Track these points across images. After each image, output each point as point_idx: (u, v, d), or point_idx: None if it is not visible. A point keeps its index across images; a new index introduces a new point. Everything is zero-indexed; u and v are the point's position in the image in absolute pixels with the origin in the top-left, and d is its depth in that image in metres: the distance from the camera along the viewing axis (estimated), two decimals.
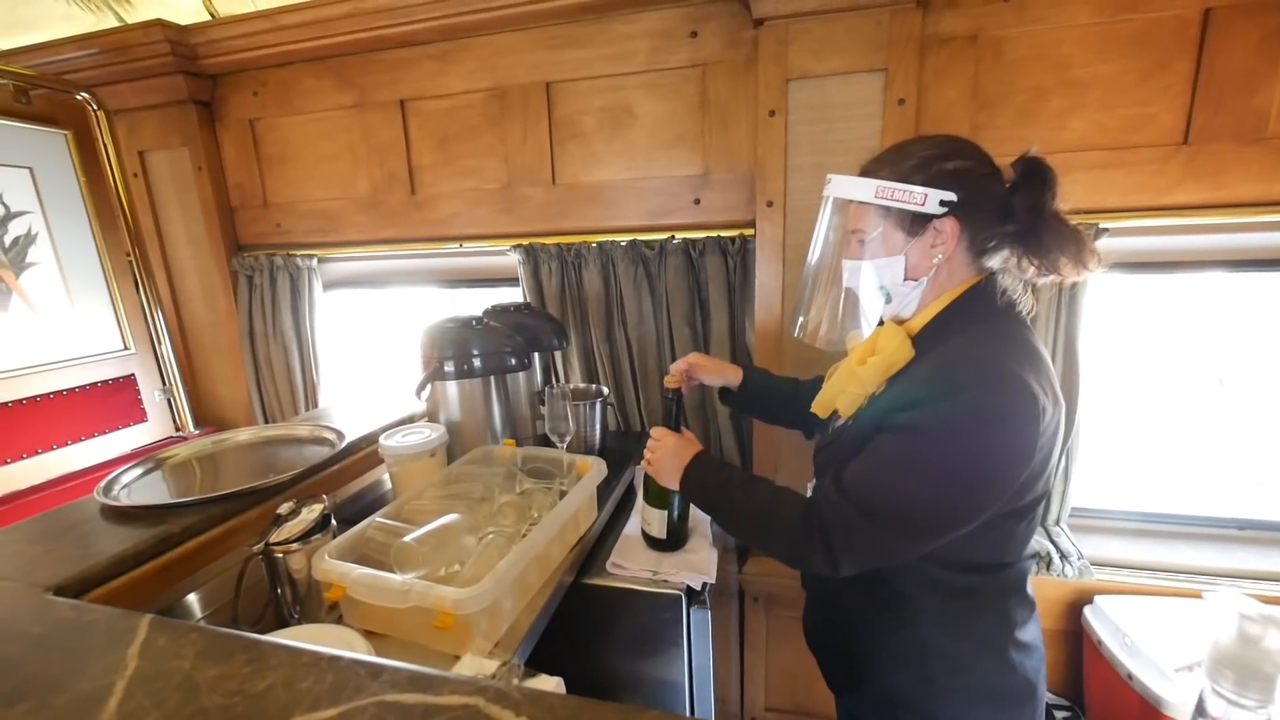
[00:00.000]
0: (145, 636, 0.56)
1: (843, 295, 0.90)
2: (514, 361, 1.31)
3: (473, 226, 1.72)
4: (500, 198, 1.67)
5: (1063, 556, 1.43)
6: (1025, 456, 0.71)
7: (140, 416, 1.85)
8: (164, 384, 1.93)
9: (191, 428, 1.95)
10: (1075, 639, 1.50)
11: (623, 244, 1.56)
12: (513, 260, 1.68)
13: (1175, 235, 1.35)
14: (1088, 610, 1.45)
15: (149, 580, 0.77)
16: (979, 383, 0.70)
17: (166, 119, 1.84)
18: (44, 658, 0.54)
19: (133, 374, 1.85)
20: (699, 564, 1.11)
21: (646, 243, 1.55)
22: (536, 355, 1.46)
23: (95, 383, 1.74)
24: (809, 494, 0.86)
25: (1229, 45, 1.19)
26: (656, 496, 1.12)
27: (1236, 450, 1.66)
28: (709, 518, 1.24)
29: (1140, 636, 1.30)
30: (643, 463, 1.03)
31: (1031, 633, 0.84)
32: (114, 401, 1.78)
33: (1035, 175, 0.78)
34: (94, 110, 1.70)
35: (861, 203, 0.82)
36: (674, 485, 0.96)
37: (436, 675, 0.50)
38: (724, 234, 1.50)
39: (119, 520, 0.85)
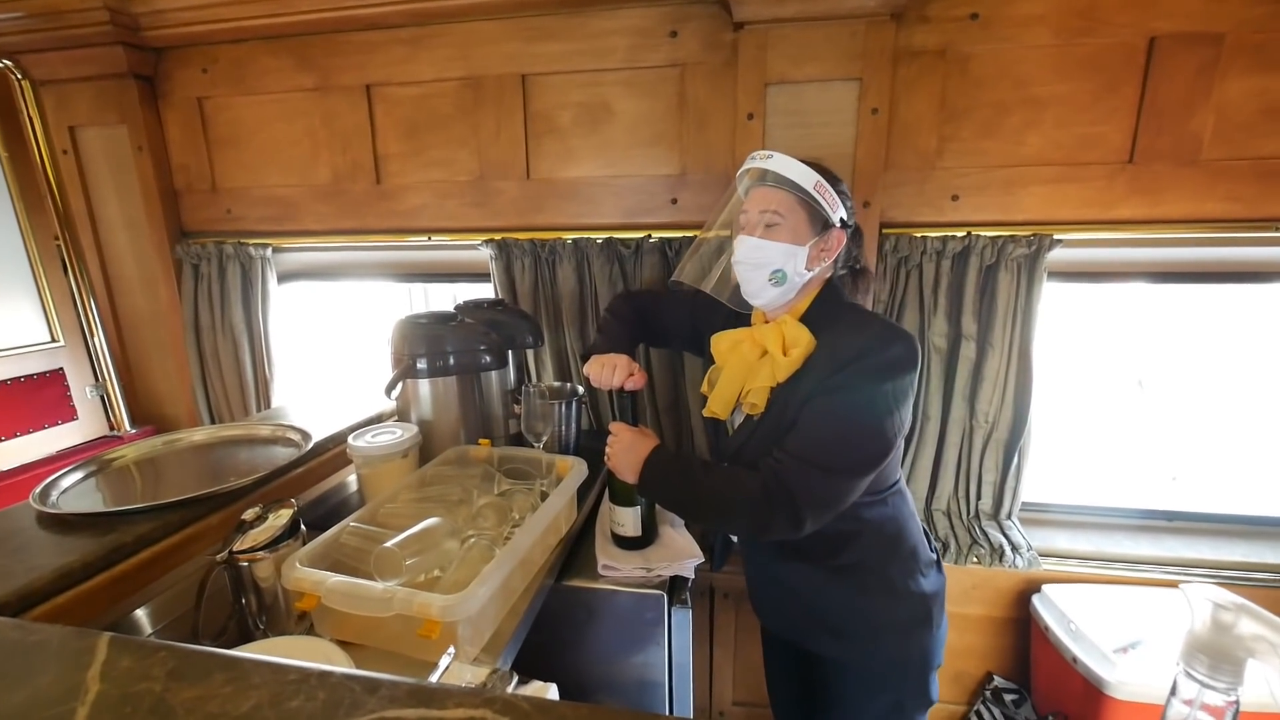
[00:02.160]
0: (106, 657, 0.51)
1: (730, 270, 0.98)
2: (489, 360, 1.28)
3: (442, 219, 1.66)
4: (471, 190, 1.62)
5: (1014, 548, 1.51)
6: (915, 387, 0.92)
7: (70, 414, 1.71)
8: (97, 379, 1.78)
9: (128, 426, 1.81)
10: (1024, 626, 1.59)
11: (598, 242, 1.54)
12: (482, 255, 1.64)
13: (1116, 248, 1.44)
14: (1035, 599, 1.54)
15: (99, 594, 0.71)
16: (883, 342, 0.87)
17: (102, 93, 1.70)
18: None
19: (61, 368, 1.70)
20: (683, 549, 1.11)
21: (623, 241, 1.54)
22: (510, 353, 1.43)
23: (18, 377, 1.59)
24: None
25: (1170, 72, 1.28)
26: (623, 495, 1.09)
27: (1155, 447, 1.80)
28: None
29: (1083, 622, 1.39)
30: (605, 459, 1.05)
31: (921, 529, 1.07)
32: (40, 398, 1.63)
33: (860, 234, 1.02)
34: (17, 79, 1.55)
35: (792, 187, 0.91)
36: (632, 479, 0.99)
37: (438, 688, 0.48)
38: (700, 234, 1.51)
39: (61, 529, 0.78)
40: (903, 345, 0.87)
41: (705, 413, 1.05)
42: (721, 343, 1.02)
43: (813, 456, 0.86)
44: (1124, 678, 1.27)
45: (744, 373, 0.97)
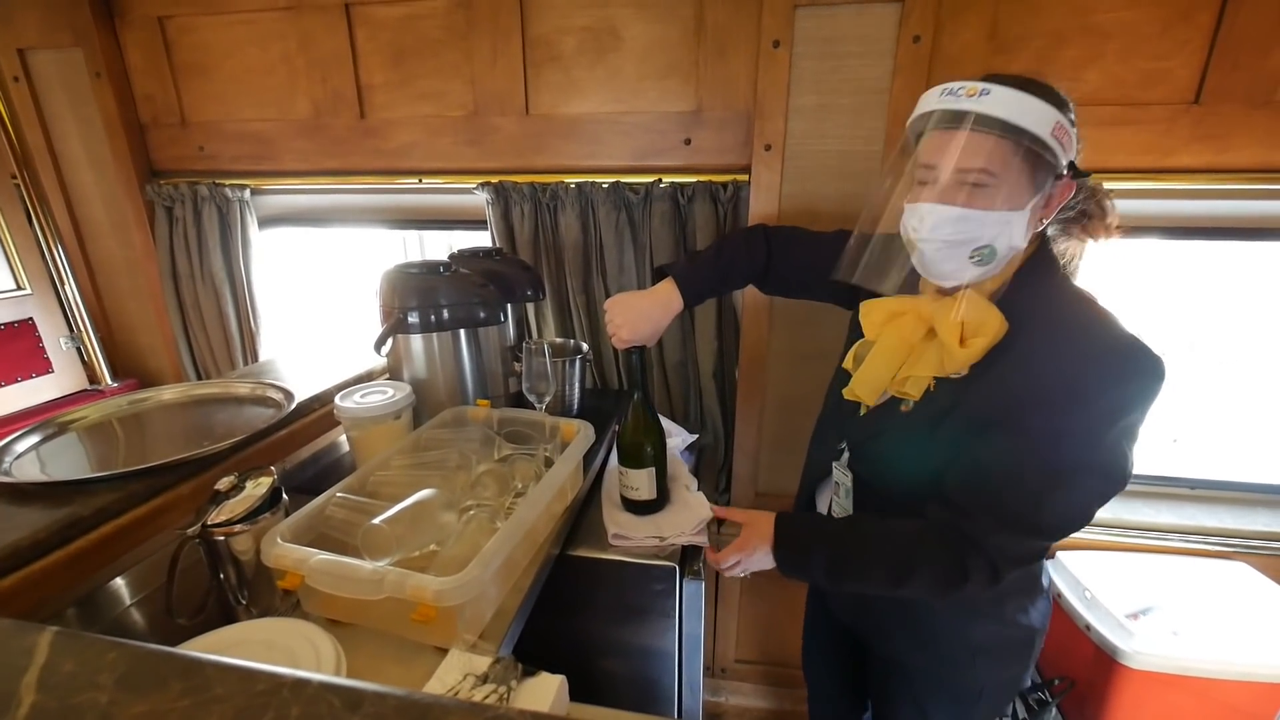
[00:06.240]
0: (47, 659, 0.44)
1: (929, 247, 0.72)
2: (485, 314, 1.18)
3: (433, 159, 1.53)
4: (465, 127, 1.48)
5: None
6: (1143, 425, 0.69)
7: (44, 367, 1.62)
8: (71, 330, 1.68)
9: (109, 380, 1.73)
10: None
11: (604, 186, 1.42)
12: (479, 200, 1.51)
13: (1174, 200, 1.32)
14: (1048, 565, 1.51)
15: (53, 576, 0.64)
16: (1118, 364, 0.65)
17: (51, 10, 1.52)
18: None
19: (30, 318, 1.60)
20: (695, 508, 1.04)
21: (630, 185, 1.41)
22: (509, 307, 1.33)
23: None
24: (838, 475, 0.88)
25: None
26: (635, 456, 0.99)
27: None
28: (676, 451, 1.23)
29: (1098, 589, 1.36)
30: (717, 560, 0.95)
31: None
32: (10, 349, 1.54)
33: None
34: None
35: (1016, 134, 0.64)
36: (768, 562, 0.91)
37: (432, 702, 0.41)
38: (716, 179, 1.38)
39: (11, 500, 0.70)
40: (1143, 374, 0.65)
41: (847, 394, 0.85)
42: (874, 313, 0.83)
43: (1008, 514, 0.70)
44: (1140, 647, 1.25)
45: (903, 354, 0.78)
